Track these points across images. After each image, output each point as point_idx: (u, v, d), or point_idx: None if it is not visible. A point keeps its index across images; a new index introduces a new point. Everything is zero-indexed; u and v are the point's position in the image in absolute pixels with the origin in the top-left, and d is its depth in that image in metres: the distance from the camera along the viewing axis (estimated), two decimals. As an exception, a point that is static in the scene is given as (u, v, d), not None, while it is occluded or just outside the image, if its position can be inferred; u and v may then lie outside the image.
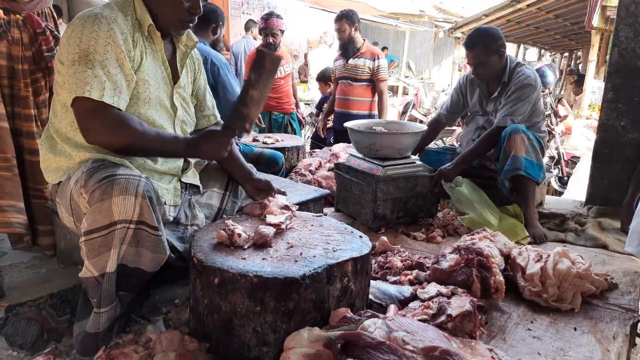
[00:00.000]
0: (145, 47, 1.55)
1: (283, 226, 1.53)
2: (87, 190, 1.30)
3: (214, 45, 3.00)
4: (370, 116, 4.19)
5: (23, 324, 1.57)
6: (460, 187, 2.66)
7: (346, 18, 4.02)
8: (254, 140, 3.47)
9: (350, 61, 4.12)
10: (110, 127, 1.39)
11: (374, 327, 1.20)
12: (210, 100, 1.91)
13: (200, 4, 1.60)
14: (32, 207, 2.07)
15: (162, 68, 1.62)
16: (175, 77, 1.69)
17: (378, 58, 4.11)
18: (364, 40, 4.20)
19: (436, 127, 3.26)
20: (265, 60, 1.51)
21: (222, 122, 1.96)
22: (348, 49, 4.11)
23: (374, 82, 4.17)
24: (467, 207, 2.63)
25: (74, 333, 1.42)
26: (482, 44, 2.65)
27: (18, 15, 1.97)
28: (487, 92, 2.86)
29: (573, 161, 5.59)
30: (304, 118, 5.22)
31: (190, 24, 1.63)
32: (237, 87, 3.00)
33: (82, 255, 1.30)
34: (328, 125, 4.72)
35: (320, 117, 4.77)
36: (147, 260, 1.35)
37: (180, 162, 1.70)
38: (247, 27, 6.78)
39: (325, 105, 4.93)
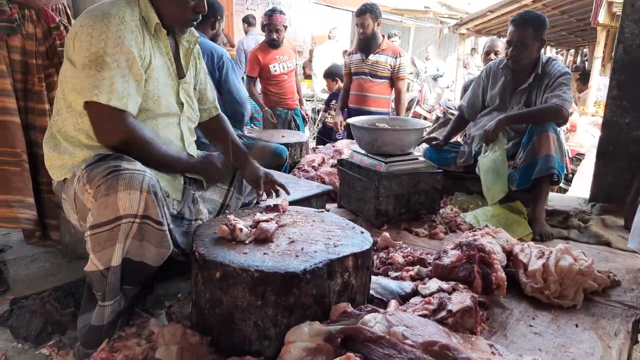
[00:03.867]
0: (152, 44, 1.56)
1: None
2: (92, 185, 1.31)
3: (213, 39, 3.00)
4: (388, 114, 4.15)
5: (27, 316, 1.59)
6: (496, 153, 2.59)
7: (370, 12, 3.92)
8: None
9: (371, 57, 4.03)
10: (121, 134, 1.43)
11: (374, 322, 1.21)
12: (211, 93, 1.93)
13: (205, 2, 1.61)
14: (43, 201, 2.09)
15: (168, 64, 1.64)
16: (180, 73, 1.70)
17: (400, 56, 4.05)
18: (384, 36, 4.16)
19: (461, 122, 3.22)
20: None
21: (224, 115, 2.01)
22: (370, 44, 4.02)
23: (392, 80, 4.14)
24: (485, 174, 2.60)
25: (77, 326, 1.43)
26: (534, 26, 2.60)
27: (32, 10, 1.98)
28: (512, 84, 2.81)
29: (578, 158, 5.57)
30: (307, 114, 5.21)
31: (195, 22, 1.65)
32: (240, 83, 3.00)
33: (87, 249, 1.31)
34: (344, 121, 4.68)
35: (335, 112, 4.71)
36: (151, 254, 1.37)
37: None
38: (250, 22, 6.77)
39: (334, 102, 4.91)
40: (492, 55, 3.99)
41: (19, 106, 1.94)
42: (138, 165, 1.36)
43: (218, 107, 1.97)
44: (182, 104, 1.70)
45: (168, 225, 1.43)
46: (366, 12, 3.94)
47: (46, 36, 2.02)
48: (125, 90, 1.42)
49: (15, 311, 1.63)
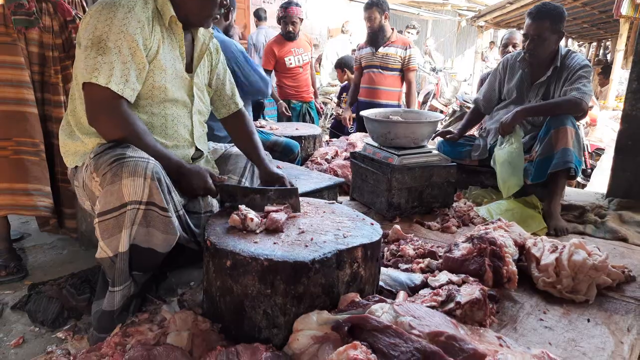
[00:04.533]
0: (163, 37, 1.57)
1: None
2: (98, 173, 1.34)
3: (226, 31, 3.01)
4: (399, 107, 4.15)
5: (45, 301, 1.64)
6: (513, 146, 2.56)
7: (377, 6, 3.95)
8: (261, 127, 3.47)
9: (381, 50, 4.05)
10: (114, 120, 1.43)
11: (381, 312, 1.22)
12: (230, 88, 1.93)
13: None
14: (59, 191, 2.14)
15: (180, 58, 1.65)
16: (192, 67, 1.72)
17: (409, 47, 4.05)
18: (393, 29, 4.15)
19: (476, 115, 3.18)
20: (291, 197, 1.64)
21: (245, 112, 2.00)
22: (378, 37, 4.04)
23: (403, 72, 4.13)
24: (500, 166, 2.58)
25: (92, 311, 1.47)
26: (551, 19, 2.56)
27: (49, 4, 2.02)
28: (530, 77, 2.78)
29: (597, 153, 5.47)
30: (321, 108, 5.21)
31: (216, 17, 1.67)
32: (254, 72, 3.01)
33: (96, 236, 1.34)
34: (353, 115, 4.69)
35: (344, 106, 4.73)
36: (158, 240, 1.39)
37: (189, 152, 1.72)
38: (260, 16, 6.77)
39: (344, 95, 4.90)
40: (510, 48, 3.94)
41: (36, 97, 1.98)
42: (142, 153, 1.37)
43: (239, 103, 1.96)
44: (193, 97, 1.71)
45: (177, 211, 1.45)
46: (372, 6, 3.97)
47: (62, 29, 2.07)
48: (123, 77, 1.43)
49: (33, 296, 1.68)
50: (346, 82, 5.22)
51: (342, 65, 5.26)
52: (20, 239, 2.31)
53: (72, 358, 1.32)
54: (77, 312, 1.64)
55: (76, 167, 1.54)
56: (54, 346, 1.46)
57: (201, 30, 1.73)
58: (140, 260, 1.40)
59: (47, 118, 2.07)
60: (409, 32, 5.84)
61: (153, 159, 1.38)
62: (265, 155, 1.90)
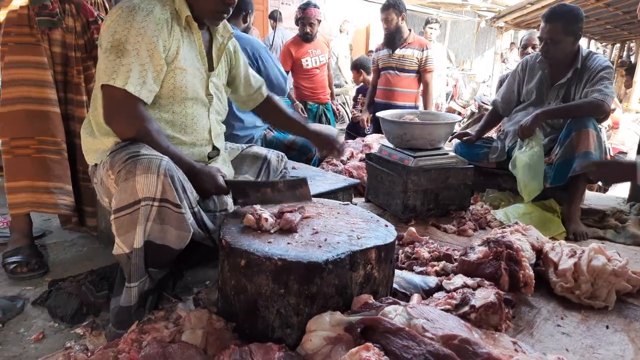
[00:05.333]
0: (183, 37, 1.60)
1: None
2: (113, 171, 1.37)
3: (245, 33, 3.04)
4: (415, 108, 4.14)
5: (64, 297, 1.67)
6: (534, 149, 2.52)
7: (393, 7, 3.96)
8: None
9: (398, 51, 4.06)
10: (129, 119, 1.47)
11: (394, 314, 1.21)
12: (254, 81, 2.02)
13: None
14: (81, 189, 2.18)
15: (199, 57, 1.68)
16: (210, 67, 1.75)
17: (426, 48, 4.05)
18: (410, 30, 4.14)
19: (494, 117, 3.15)
20: (301, 187, 1.68)
21: (273, 95, 2.11)
22: (395, 39, 4.05)
23: (420, 73, 4.11)
24: (522, 170, 2.54)
25: (110, 307, 1.50)
26: (564, 21, 2.52)
27: (72, 5, 2.07)
28: (550, 78, 2.74)
29: (620, 157, 5.35)
30: (338, 110, 5.21)
31: (225, 15, 1.68)
32: (276, 68, 3.03)
33: (113, 232, 1.37)
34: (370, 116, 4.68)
35: (362, 108, 4.73)
36: (172, 237, 1.40)
37: (207, 149, 1.76)
38: (276, 18, 6.79)
39: (360, 96, 4.90)
40: (530, 49, 3.89)
41: (59, 97, 2.03)
42: (156, 152, 1.40)
43: (264, 92, 2.06)
44: (212, 95, 1.75)
45: (192, 208, 1.47)
46: (389, 7, 3.97)
47: (85, 30, 2.11)
48: (141, 79, 1.47)
49: (53, 292, 1.72)
50: (362, 83, 5.21)
51: (358, 67, 5.25)
52: (42, 236, 2.37)
53: (89, 353, 1.35)
54: (96, 309, 1.67)
55: (96, 164, 1.57)
56: (72, 341, 1.49)
57: (220, 30, 1.76)
58: (156, 257, 1.42)
59: (69, 117, 2.11)
60: (430, 28, 5.61)
61: (166, 157, 1.40)
62: (304, 121, 2.04)
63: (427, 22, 5.68)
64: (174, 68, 1.57)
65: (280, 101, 2.12)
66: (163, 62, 1.52)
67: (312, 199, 1.75)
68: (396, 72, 4.11)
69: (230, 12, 1.69)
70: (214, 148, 1.79)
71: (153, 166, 1.33)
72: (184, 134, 1.66)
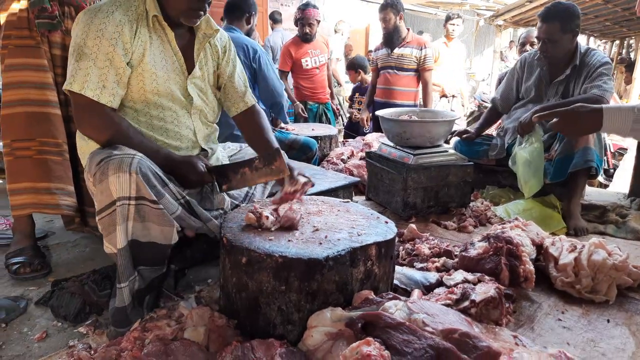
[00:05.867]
0: (151, 39, 1.56)
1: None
2: (91, 173, 1.38)
3: (248, 34, 3.06)
4: (414, 107, 4.15)
5: (67, 297, 1.68)
6: (533, 145, 2.51)
7: (391, 7, 3.98)
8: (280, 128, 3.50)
9: (396, 50, 4.08)
10: (97, 124, 1.48)
11: (395, 309, 1.22)
12: (239, 86, 1.88)
13: None
14: (82, 190, 2.19)
15: (175, 58, 1.64)
16: (190, 67, 1.69)
17: (425, 47, 4.06)
18: (408, 29, 4.16)
19: (493, 114, 3.15)
20: (275, 160, 1.60)
21: (258, 109, 1.95)
22: (393, 38, 4.07)
23: (419, 72, 4.12)
24: (522, 167, 2.54)
25: (109, 307, 1.50)
26: (560, 19, 2.53)
27: (72, 7, 2.08)
28: (549, 75, 2.75)
29: (620, 153, 5.35)
30: (338, 109, 5.22)
31: (201, 12, 1.61)
32: (275, 77, 3.05)
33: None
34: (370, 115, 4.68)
35: (362, 107, 4.74)
36: (156, 233, 1.40)
37: (193, 152, 1.73)
38: (276, 19, 6.80)
39: (357, 95, 4.91)
40: (528, 47, 3.90)
41: (59, 99, 2.04)
42: (129, 150, 1.39)
43: (248, 101, 1.90)
44: (192, 97, 1.69)
45: (179, 200, 1.46)
46: (387, 7, 3.99)
47: None
48: (100, 82, 1.46)
49: (56, 292, 1.72)
50: (359, 82, 5.22)
51: (355, 66, 5.26)
52: (44, 237, 2.38)
53: (93, 352, 1.35)
54: (98, 308, 1.68)
55: None
56: (75, 340, 1.50)
57: (202, 27, 1.70)
58: (145, 255, 1.41)
59: (70, 119, 2.12)
60: (452, 24, 5.15)
61: (140, 154, 1.38)
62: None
63: (448, 18, 5.21)
64: (142, 71, 1.54)
65: (265, 120, 1.93)
66: (124, 65, 1.49)
67: (307, 194, 1.70)
68: (395, 71, 4.13)
69: (207, 10, 1.63)
70: (203, 150, 1.76)
71: (124, 165, 1.32)
72: (166, 137, 1.63)
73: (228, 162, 1.90)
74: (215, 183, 1.65)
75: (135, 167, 1.33)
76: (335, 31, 8.64)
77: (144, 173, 1.35)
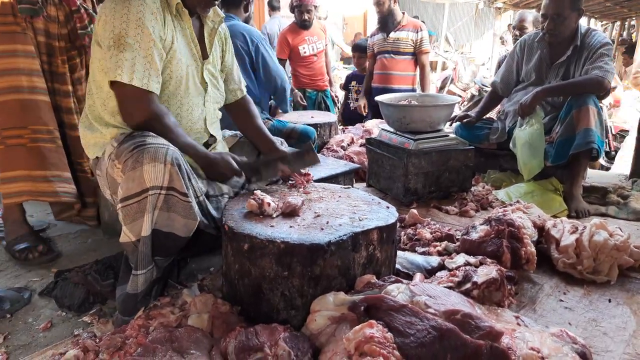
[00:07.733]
0: (175, 26, 1.59)
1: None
2: (120, 160, 1.38)
3: (246, 22, 3.03)
4: (413, 91, 4.13)
5: (71, 287, 1.69)
6: (533, 127, 2.51)
7: None
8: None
9: (392, 35, 4.06)
10: (145, 116, 1.49)
11: (397, 292, 1.22)
12: (237, 74, 1.96)
13: None
14: (78, 179, 2.18)
15: (192, 45, 1.68)
16: (204, 54, 1.74)
17: (420, 30, 4.04)
18: (404, 13, 4.13)
19: (494, 98, 3.13)
20: (309, 154, 1.74)
21: (249, 98, 2.01)
22: (388, 22, 4.05)
23: (416, 56, 4.10)
24: (521, 148, 2.54)
25: (116, 295, 1.51)
26: None
27: None
28: (549, 57, 2.72)
29: (621, 135, 5.34)
30: (336, 96, 5.18)
31: (216, 1, 1.67)
32: (276, 60, 3.02)
33: (120, 221, 1.38)
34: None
35: (353, 95, 4.72)
36: (179, 225, 1.42)
37: (202, 139, 1.75)
38: (274, 6, 6.73)
39: (354, 83, 4.88)
40: (517, 32, 3.86)
41: (47, 87, 2.02)
42: (162, 140, 1.41)
43: (244, 89, 1.99)
44: (207, 84, 1.74)
45: (198, 197, 1.47)
46: None
47: (68, 19, 2.08)
48: (147, 71, 1.47)
49: (60, 283, 1.73)
50: (354, 70, 5.15)
51: (359, 49, 5.18)
52: (45, 229, 2.38)
53: (98, 340, 1.36)
54: (102, 297, 1.69)
55: (97, 157, 1.58)
56: (80, 329, 1.51)
57: (210, 15, 1.74)
58: (162, 245, 1.43)
59: (58, 108, 2.09)
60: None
61: (172, 145, 1.41)
62: (275, 139, 1.91)
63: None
64: (171, 58, 1.57)
65: (255, 107, 2.00)
66: (163, 52, 1.52)
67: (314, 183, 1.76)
68: (392, 55, 4.11)
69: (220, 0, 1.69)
70: (211, 136, 1.79)
71: (160, 155, 1.34)
72: (179, 122, 1.64)
73: (258, 158, 1.94)
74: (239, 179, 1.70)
75: (171, 157, 1.35)
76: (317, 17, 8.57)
77: (179, 164, 1.37)
